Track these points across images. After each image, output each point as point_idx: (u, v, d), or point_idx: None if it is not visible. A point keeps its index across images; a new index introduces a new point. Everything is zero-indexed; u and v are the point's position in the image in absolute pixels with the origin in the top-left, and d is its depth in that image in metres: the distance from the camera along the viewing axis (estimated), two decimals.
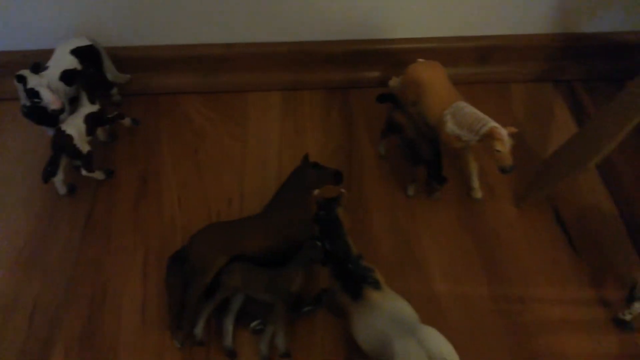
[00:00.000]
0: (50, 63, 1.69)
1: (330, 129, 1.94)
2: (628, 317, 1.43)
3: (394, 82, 1.94)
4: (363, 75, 2.06)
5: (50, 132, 1.74)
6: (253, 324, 1.44)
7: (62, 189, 1.71)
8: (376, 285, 1.19)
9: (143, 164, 1.83)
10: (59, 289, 1.55)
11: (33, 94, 1.51)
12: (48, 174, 1.60)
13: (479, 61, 2.06)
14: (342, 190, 1.31)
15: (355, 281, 1.19)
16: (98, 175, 1.72)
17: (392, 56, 2.02)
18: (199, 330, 1.40)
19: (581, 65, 2.08)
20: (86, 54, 1.74)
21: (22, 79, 1.50)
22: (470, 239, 1.65)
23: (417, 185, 1.72)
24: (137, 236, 1.65)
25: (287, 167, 1.81)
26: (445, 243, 1.64)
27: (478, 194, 1.72)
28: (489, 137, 1.49)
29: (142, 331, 1.46)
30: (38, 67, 1.55)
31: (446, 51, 2.01)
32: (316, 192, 1.32)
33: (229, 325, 1.42)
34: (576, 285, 1.55)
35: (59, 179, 1.67)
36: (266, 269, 1.43)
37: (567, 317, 1.50)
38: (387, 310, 1.16)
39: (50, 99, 1.52)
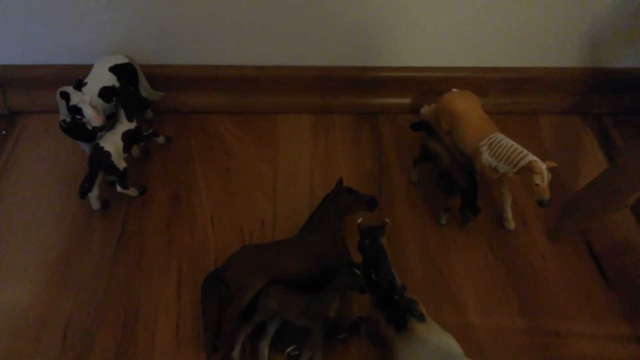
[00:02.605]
0: (88, 79, 1.70)
1: (360, 154, 1.94)
2: None
3: (425, 109, 1.95)
4: (392, 101, 2.07)
5: (86, 147, 1.75)
6: (289, 349, 1.43)
7: (95, 204, 1.70)
8: (421, 318, 1.19)
9: (175, 182, 1.84)
10: (92, 306, 1.54)
11: (76, 110, 1.52)
12: (85, 190, 1.60)
13: (508, 92, 2.08)
14: (387, 219, 1.31)
15: (401, 313, 1.18)
16: (132, 192, 1.72)
17: (422, 84, 2.04)
18: (236, 354, 1.39)
19: (610, 99, 2.10)
20: (124, 71, 1.76)
21: (65, 96, 1.50)
22: (504, 270, 1.65)
23: (449, 214, 1.72)
24: (171, 254, 1.65)
25: (318, 190, 1.82)
26: (479, 273, 1.64)
27: (511, 224, 1.72)
28: (528, 170, 1.50)
29: (177, 352, 1.45)
30: (80, 84, 1.56)
31: (476, 81, 2.03)
32: (360, 220, 1.31)
33: (264, 349, 1.41)
34: (611, 320, 1.55)
35: (93, 195, 1.67)
36: (302, 293, 1.42)
37: (602, 353, 1.49)
38: (433, 344, 1.15)
39: (92, 116, 1.52)
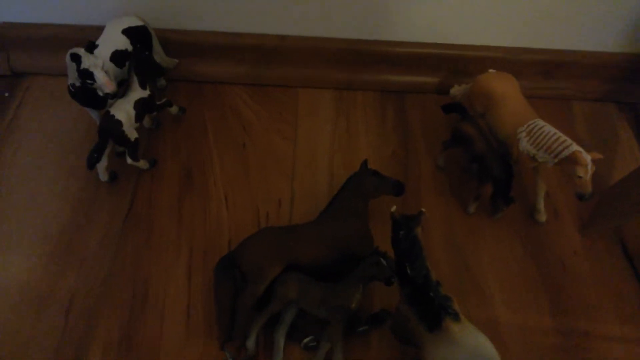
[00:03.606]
0: (99, 41, 1.58)
1: (384, 134, 1.83)
2: None
3: (455, 90, 1.83)
4: (421, 80, 1.95)
5: (94, 115, 1.64)
6: (306, 339, 1.35)
7: (103, 176, 1.60)
8: (456, 317, 1.10)
9: (187, 156, 1.73)
10: (97, 284, 1.45)
11: (87, 74, 1.40)
12: (94, 161, 1.50)
13: (543, 75, 1.96)
14: (423, 209, 1.21)
15: (435, 311, 1.09)
16: (142, 164, 1.62)
17: (454, 63, 1.92)
18: (251, 343, 1.31)
19: None
20: (138, 34, 1.64)
21: (76, 58, 1.38)
22: (533, 265, 1.56)
23: (478, 202, 1.62)
24: (182, 233, 1.55)
25: (339, 171, 1.72)
26: (507, 267, 1.55)
27: (542, 217, 1.63)
28: (571, 161, 1.40)
29: (186, 338, 1.37)
30: (93, 46, 1.44)
31: (510, 62, 1.91)
32: (394, 208, 1.21)
33: (280, 339, 1.33)
34: None
35: (102, 166, 1.57)
36: (322, 282, 1.33)
37: (633, 358, 1.41)
38: (468, 346, 1.07)
39: (105, 82, 1.41)
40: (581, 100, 2.00)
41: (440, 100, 1.92)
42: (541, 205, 1.62)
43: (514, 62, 1.91)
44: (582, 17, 1.82)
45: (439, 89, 1.95)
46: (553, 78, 1.97)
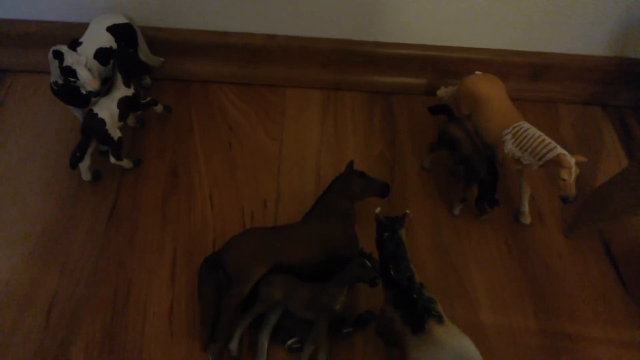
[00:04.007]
0: (83, 39, 1.56)
1: (371, 135, 1.83)
2: None
3: (442, 92, 1.84)
4: (408, 81, 1.95)
5: (78, 113, 1.62)
6: (290, 341, 1.34)
7: (86, 175, 1.58)
8: (439, 319, 1.10)
9: (173, 155, 1.71)
10: (79, 285, 1.43)
11: (69, 72, 1.38)
12: (76, 160, 1.48)
13: (530, 78, 1.97)
14: (407, 211, 1.20)
15: (419, 313, 1.09)
16: (126, 163, 1.60)
17: (441, 64, 1.92)
18: (234, 345, 1.30)
19: (633, 91, 1.99)
20: (123, 32, 1.62)
21: (58, 55, 1.36)
22: (518, 267, 1.56)
23: (464, 204, 1.62)
24: (165, 234, 1.54)
25: (326, 171, 1.71)
26: (492, 269, 1.55)
27: (527, 219, 1.63)
28: (555, 164, 1.40)
29: (169, 339, 1.35)
30: (76, 44, 1.42)
31: (497, 64, 1.92)
32: (378, 210, 1.21)
33: (264, 341, 1.32)
34: (626, 325, 1.48)
35: (84, 165, 1.55)
36: (308, 284, 1.32)
37: (617, 359, 1.42)
38: (452, 348, 1.06)
39: (88, 80, 1.39)
40: (567, 103, 2.01)
41: (428, 102, 1.93)
42: (526, 207, 1.62)
43: (502, 64, 1.92)
44: (570, 20, 1.83)
45: (426, 90, 1.95)
46: (540, 80, 1.98)
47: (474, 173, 1.52)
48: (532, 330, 1.45)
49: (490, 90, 1.59)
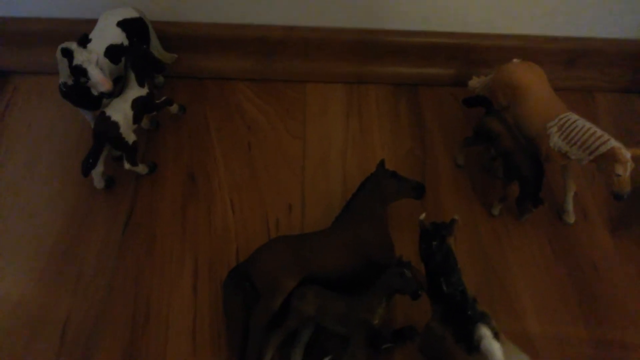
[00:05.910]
0: (93, 35, 1.45)
1: (399, 131, 1.72)
2: None
3: (474, 82, 1.72)
4: (435, 71, 1.84)
5: (89, 116, 1.52)
6: (325, 359, 1.23)
7: (99, 183, 1.48)
8: (496, 337, 0.99)
9: (189, 159, 1.61)
10: (95, 301, 1.34)
11: (79, 71, 1.27)
12: (89, 167, 1.38)
13: (565, 65, 1.85)
14: (456, 216, 1.09)
15: (478, 333, 0.98)
16: (141, 169, 1.50)
17: (471, 52, 1.80)
18: None
19: None
20: (135, 27, 1.51)
21: (68, 54, 1.25)
22: (565, 270, 1.45)
23: (504, 203, 1.51)
24: (185, 242, 1.44)
25: (353, 171, 1.61)
26: (536, 272, 1.44)
27: (571, 218, 1.52)
28: (609, 158, 1.29)
29: (193, 357, 1.25)
30: (86, 40, 1.31)
31: (530, 51, 1.80)
32: (422, 216, 1.10)
33: (297, 359, 1.21)
34: None
35: (97, 172, 1.45)
36: (342, 296, 1.22)
37: None
38: None
39: (99, 80, 1.28)
40: (604, 91, 1.89)
41: (456, 93, 1.82)
42: (570, 205, 1.52)
43: (534, 50, 1.80)
44: (606, 2, 1.70)
45: (454, 80, 1.83)
46: (574, 68, 1.86)
47: (515, 170, 1.41)
48: (582, 339, 1.35)
49: (530, 79, 1.48)
